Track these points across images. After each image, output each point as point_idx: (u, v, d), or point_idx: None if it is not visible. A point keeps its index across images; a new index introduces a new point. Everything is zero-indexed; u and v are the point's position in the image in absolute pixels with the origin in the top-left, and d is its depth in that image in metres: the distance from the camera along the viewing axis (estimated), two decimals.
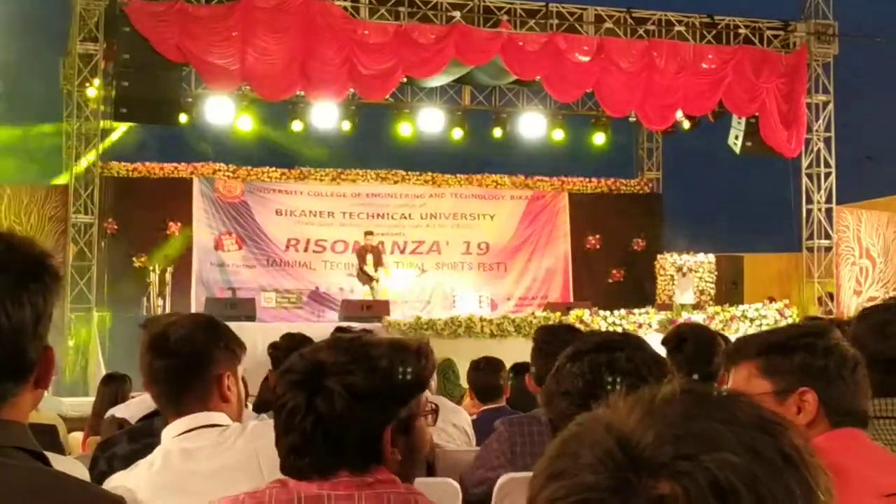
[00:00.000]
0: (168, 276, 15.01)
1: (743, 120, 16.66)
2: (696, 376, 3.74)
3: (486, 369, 5.64)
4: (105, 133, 15.44)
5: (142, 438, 2.72)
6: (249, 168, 17.91)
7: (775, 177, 17.74)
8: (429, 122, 17.57)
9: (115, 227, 16.01)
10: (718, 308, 14.50)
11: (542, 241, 18.92)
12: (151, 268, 15.25)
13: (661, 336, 4.21)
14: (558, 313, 14.01)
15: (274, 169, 18.01)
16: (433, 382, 5.49)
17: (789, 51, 16.67)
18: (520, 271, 18.77)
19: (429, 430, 1.98)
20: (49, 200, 14.37)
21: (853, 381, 2.08)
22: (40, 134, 17.56)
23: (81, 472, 2.21)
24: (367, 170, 18.46)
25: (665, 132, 18.95)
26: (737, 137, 16.91)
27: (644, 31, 16.06)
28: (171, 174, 17.48)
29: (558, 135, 18.17)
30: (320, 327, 14.00)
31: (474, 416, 5.50)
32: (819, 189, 17.00)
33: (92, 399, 7.00)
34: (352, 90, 15.86)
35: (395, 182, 18.59)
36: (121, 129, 16.55)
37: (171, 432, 2.45)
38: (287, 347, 4.90)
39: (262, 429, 2.45)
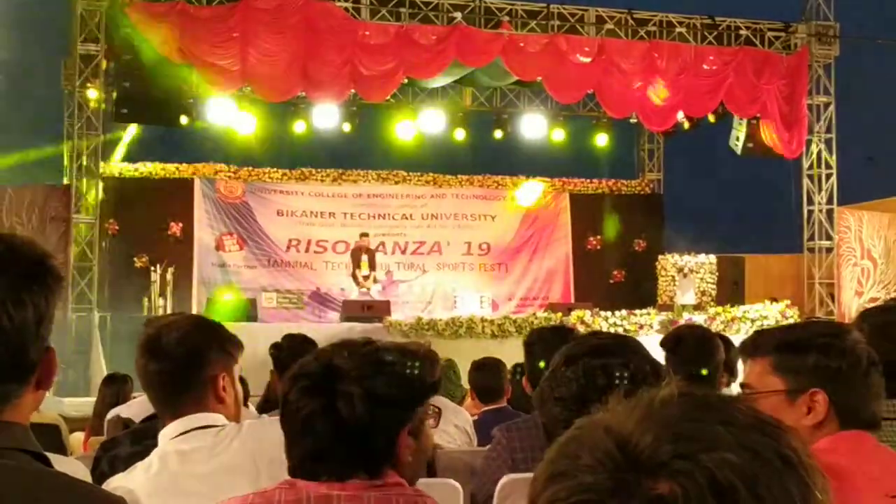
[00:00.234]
0: (169, 277, 15.02)
1: (744, 121, 16.66)
2: (690, 376, 3.75)
3: (487, 370, 5.64)
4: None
5: (144, 440, 2.72)
6: (251, 169, 17.92)
7: (776, 178, 17.75)
8: (430, 122, 17.57)
9: (117, 227, 16.02)
10: (720, 309, 14.51)
11: (543, 241, 18.92)
12: (153, 268, 15.26)
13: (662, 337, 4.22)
14: (559, 314, 14.01)
15: (275, 169, 18.02)
16: None
17: (790, 52, 16.67)
18: (521, 272, 18.77)
19: (431, 432, 1.99)
20: (50, 201, 14.35)
21: (866, 384, 2.06)
22: (41, 135, 17.56)
23: (82, 473, 2.22)
24: (369, 170, 18.46)
25: (666, 133, 18.95)
26: (738, 139, 16.91)
27: (645, 33, 16.06)
28: (173, 175, 17.49)
29: (559, 136, 18.15)
30: (321, 328, 14.06)
31: (475, 417, 5.51)
32: (820, 190, 17.00)
33: (93, 399, 7.01)
34: (353, 91, 15.86)
35: (397, 183, 18.59)
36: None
37: (167, 434, 2.46)
38: (289, 348, 4.91)
39: (258, 428, 2.47)
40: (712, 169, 20.34)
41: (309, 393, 1.85)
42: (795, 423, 2.01)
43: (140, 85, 13.88)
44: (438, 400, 4.97)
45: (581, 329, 11.69)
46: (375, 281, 16.37)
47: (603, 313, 13.96)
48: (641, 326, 13.73)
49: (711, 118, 17.27)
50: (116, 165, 16.84)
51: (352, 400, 1.81)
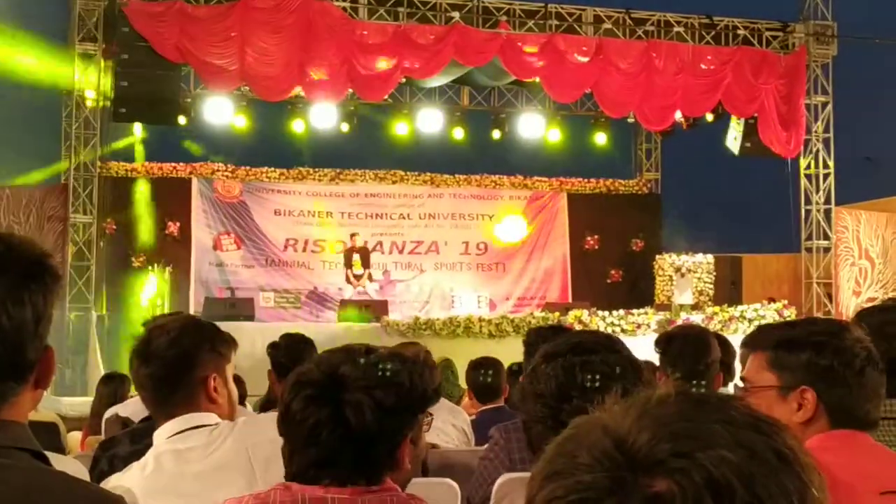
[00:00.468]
0: (167, 276, 15.02)
1: (742, 121, 16.67)
2: (679, 375, 3.75)
3: (484, 369, 5.63)
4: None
5: (143, 439, 2.74)
6: (248, 168, 17.91)
7: (774, 178, 17.75)
8: (427, 122, 17.57)
9: (114, 227, 16.01)
10: (717, 308, 14.52)
11: (540, 241, 18.93)
12: (150, 267, 15.26)
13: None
14: (557, 314, 14.02)
15: (272, 169, 18.01)
16: None
17: (788, 52, 16.68)
18: (518, 271, 18.77)
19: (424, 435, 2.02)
20: (48, 200, 14.35)
21: (858, 383, 2.05)
22: (39, 134, 17.53)
23: (81, 472, 2.22)
24: (366, 170, 18.46)
25: (664, 133, 18.96)
26: (735, 138, 16.92)
27: (643, 32, 16.06)
28: (170, 174, 17.48)
29: (557, 135, 18.15)
30: (319, 327, 14.06)
31: (473, 416, 5.51)
32: (818, 190, 17.01)
33: (90, 399, 7.02)
34: (350, 90, 15.86)
35: (394, 182, 18.59)
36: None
37: (162, 434, 2.48)
38: (286, 347, 4.91)
39: (252, 425, 2.48)
40: (710, 169, 20.33)
41: (315, 402, 1.85)
42: (786, 419, 2.02)
43: (138, 84, 13.87)
44: None
45: (578, 329, 11.71)
46: (371, 279, 16.38)
47: (600, 313, 13.96)
48: (639, 326, 13.74)
49: (709, 118, 17.29)
50: (114, 165, 16.82)
51: (360, 408, 1.83)
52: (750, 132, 16.53)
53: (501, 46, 15.13)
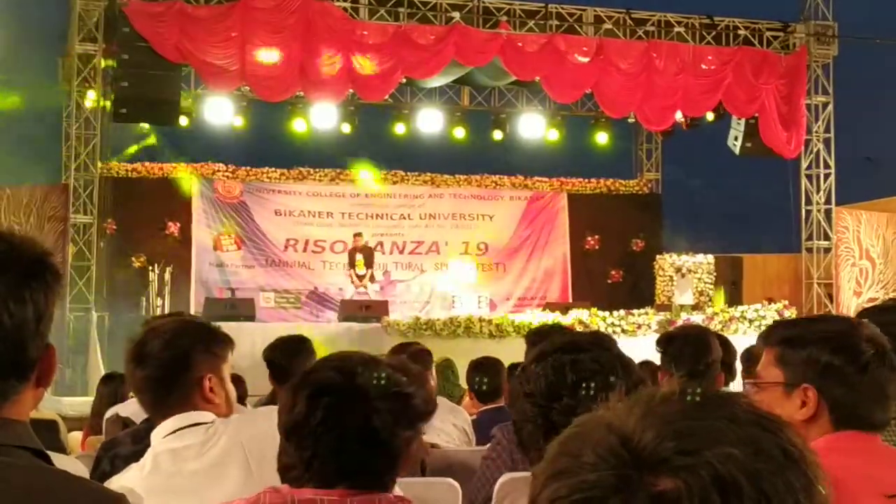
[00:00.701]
0: (167, 276, 15.01)
1: (742, 121, 16.66)
2: (680, 373, 3.76)
3: (485, 369, 5.63)
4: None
5: (145, 440, 2.75)
6: (248, 168, 17.91)
7: (774, 178, 17.76)
8: (428, 122, 17.57)
9: (114, 227, 16.01)
10: (717, 309, 14.52)
11: (541, 241, 18.92)
12: (151, 268, 15.26)
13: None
14: (557, 314, 14.01)
15: (273, 169, 18.01)
16: (433, 382, 5.52)
17: (789, 52, 16.68)
18: (519, 272, 18.77)
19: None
20: (48, 200, 14.35)
21: (862, 381, 2.01)
22: (39, 134, 17.55)
23: (81, 472, 2.22)
24: (366, 170, 18.45)
25: (664, 133, 18.95)
26: (736, 138, 16.91)
27: (643, 32, 16.06)
28: (171, 174, 17.48)
29: (557, 135, 18.16)
30: (319, 327, 14.07)
31: (474, 416, 5.50)
32: (818, 190, 17.01)
33: (91, 399, 7.01)
34: (351, 91, 15.86)
35: (395, 182, 18.59)
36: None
37: (159, 433, 2.49)
38: (283, 349, 4.90)
39: (246, 420, 2.50)
40: (710, 169, 20.35)
41: (336, 411, 1.83)
42: (790, 416, 2.00)
43: (138, 84, 13.86)
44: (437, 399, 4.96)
45: (579, 329, 11.71)
46: (373, 280, 16.37)
47: (601, 313, 13.96)
48: (639, 326, 13.74)
49: (710, 118, 17.28)
50: (114, 165, 16.83)
51: (383, 417, 1.84)
52: (750, 132, 16.53)
53: (502, 47, 15.13)
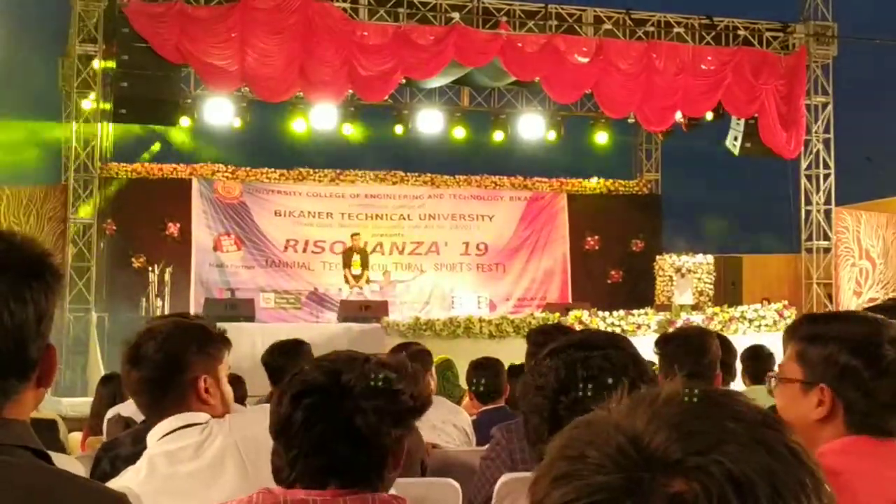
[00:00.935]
0: (167, 277, 15.01)
1: (742, 121, 16.67)
2: (679, 374, 3.75)
3: (485, 370, 5.63)
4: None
5: (145, 440, 2.75)
6: (248, 169, 17.91)
7: (774, 178, 17.77)
8: (428, 123, 17.57)
9: (114, 227, 16.01)
10: (717, 309, 14.51)
11: (540, 241, 18.92)
12: (150, 268, 15.26)
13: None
14: (557, 314, 14.00)
15: (273, 170, 18.00)
16: (432, 382, 5.52)
17: (788, 52, 16.68)
18: (518, 272, 18.76)
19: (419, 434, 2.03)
20: (48, 201, 14.37)
21: (879, 386, 1.95)
22: (39, 135, 17.56)
23: (80, 472, 2.22)
24: (366, 170, 18.46)
25: (664, 133, 18.95)
26: (735, 139, 16.92)
27: (643, 33, 16.07)
28: (170, 175, 17.48)
29: (557, 136, 18.16)
30: (319, 328, 14.07)
31: (474, 417, 5.50)
32: (818, 190, 17.02)
33: (90, 399, 7.00)
34: (350, 91, 15.85)
35: (394, 183, 18.59)
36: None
37: (155, 435, 2.49)
38: (281, 349, 4.90)
39: (241, 419, 2.50)
40: (710, 169, 20.36)
41: (318, 411, 1.84)
42: (804, 415, 1.99)
43: (138, 85, 13.86)
44: (437, 400, 4.96)
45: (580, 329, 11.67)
46: (368, 281, 16.35)
47: (601, 313, 13.94)
48: (639, 326, 13.72)
49: (709, 118, 17.28)
50: (114, 165, 16.83)
51: (367, 416, 1.83)
52: (750, 133, 16.54)
53: (502, 47, 15.13)
